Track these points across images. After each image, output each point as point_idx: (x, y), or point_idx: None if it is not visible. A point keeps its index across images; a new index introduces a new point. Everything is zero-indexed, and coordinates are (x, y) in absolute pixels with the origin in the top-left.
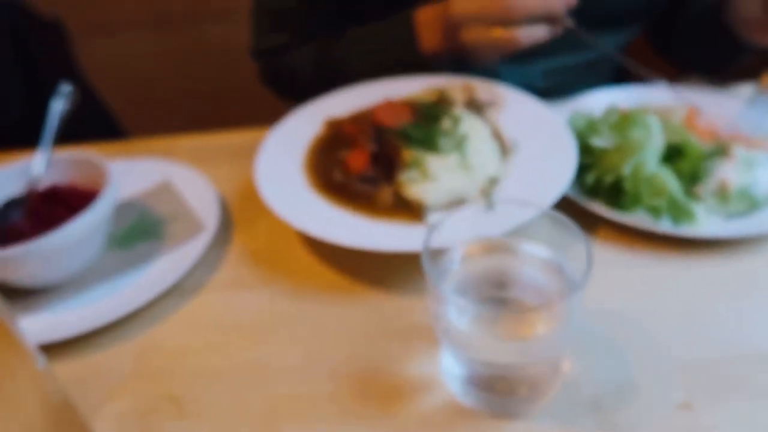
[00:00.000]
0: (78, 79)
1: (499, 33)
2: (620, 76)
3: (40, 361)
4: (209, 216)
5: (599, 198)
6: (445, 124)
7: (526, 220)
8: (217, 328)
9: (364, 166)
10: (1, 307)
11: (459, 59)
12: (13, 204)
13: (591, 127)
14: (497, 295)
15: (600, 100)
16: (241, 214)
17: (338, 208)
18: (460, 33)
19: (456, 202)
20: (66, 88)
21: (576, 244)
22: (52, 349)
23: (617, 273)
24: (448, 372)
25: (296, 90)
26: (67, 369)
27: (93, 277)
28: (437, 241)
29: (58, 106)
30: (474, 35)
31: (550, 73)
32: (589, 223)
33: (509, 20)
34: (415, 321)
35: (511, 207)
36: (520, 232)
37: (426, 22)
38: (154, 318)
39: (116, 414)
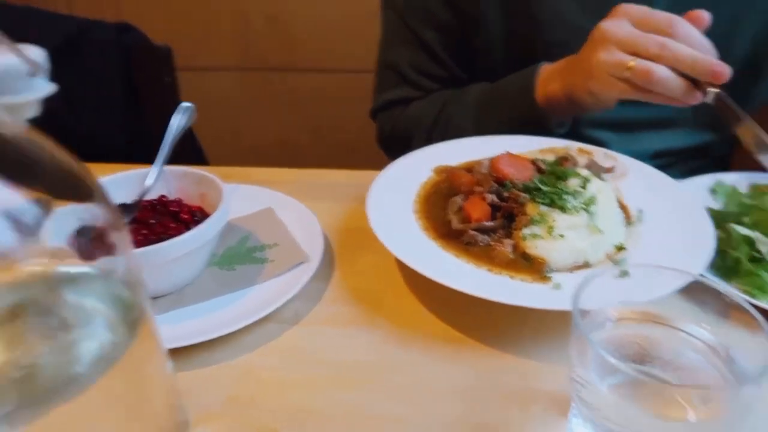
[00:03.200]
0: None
1: (634, 63)
2: (726, 164)
3: (169, 363)
4: (313, 247)
5: (737, 279)
6: (573, 182)
7: (671, 289)
8: (315, 364)
9: (484, 216)
10: (148, 308)
11: (569, 112)
12: (122, 208)
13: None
14: (642, 369)
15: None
16: (343, 251)
17: (456, 256)
18: (588, 67)
19: (579, 266)
20: (187, 106)
21: (741, 327)
22: None
23: None
24: None
25: (410, 149)
26: None
27: (192, 294)
28: (584, 301)
29: (178, 122)
30: (607, 63)
31: (660, 154)
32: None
33: (659, 51)
34: (533, 385)
35: (654, 274)
36: (680, 306)
37: (549, 72)
38: (251, 344)
39: None
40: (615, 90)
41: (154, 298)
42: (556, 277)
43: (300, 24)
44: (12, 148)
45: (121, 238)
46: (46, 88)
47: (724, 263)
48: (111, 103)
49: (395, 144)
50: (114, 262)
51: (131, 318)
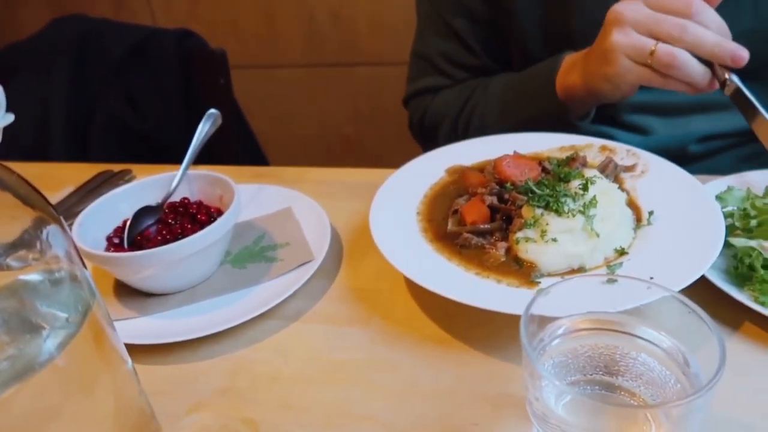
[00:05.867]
0: (232, 106)
1: (655, 47)
2: None
3: (129, 362)
4: (320, 248)
5: (750, 286)
6: (574, 184)
7: (649, 300)
8: (308, 360)
9: (480, 218)
10: (100, 305)
11: (589, 104)
12: (147, 210)
13: (750, 203)
14: (604, 380)
15: (762, 179)
16: (352, 250)
17: (447, 258)
18: (603, 51)
19: (574, 270)
20: (213, 113)
21: (708, 338)
22: (151, 351)
23: (756, 380)
24: None
25: (437, 138)
26: (159, 374)
27: (204, 290)
28: (543, 307)
29: (204, 128)
30: (624, 46)
31: (707, 138)
32: (732, 314)
33: (680, 34)
34: (510, 390)
35: (635, 284)
36: (642, 313)
37: (569, 63)
38: (250, 339)
39: (193, 427)
40: (632, 75)
41: (168, 294)
42: (546, 282)
43: (363, 19)
44: None
45: (72, 247)
46: (3, 120)
47: (739, 270)
48: (171, 104)
49: (424, 132)
50: (66, 267)
51: (80, 311)
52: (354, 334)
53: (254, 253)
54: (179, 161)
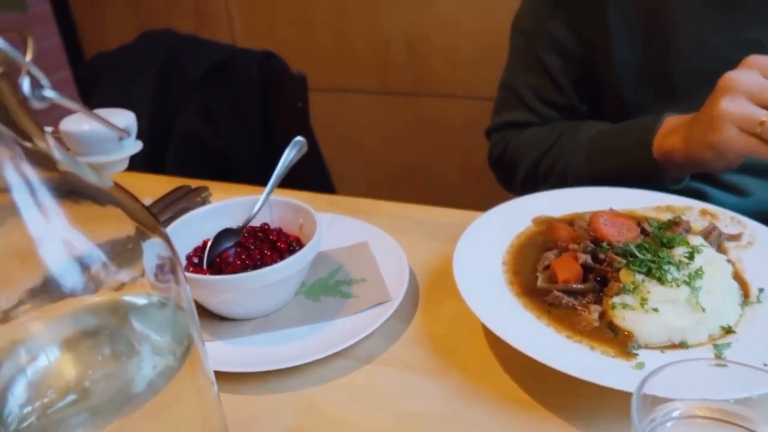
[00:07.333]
0: (307, 130)
1: (766, 118)
2: None
3: (215, 387)
4: (397, 288)
5: None
6: (678, 251)
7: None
8: (379, 408)
9: (573, 277)
10: (194, 327)
11: (687, 170)
12: (228, 232)
13: None
14: None
15: None
16: (430, 293)
17: (536, 316)
18: (710, 117)
19: (675, 345)
20: (300, 141)
21: None
22: (219, 377)
23: None
24: None
25: (515, 176)
26: (225, 402)
27: (277, 320)
28: (655, 387)
29: (290, 155)
30: (734, 114)
31: None
32: None
33: None
34: None
35: (749, 371)
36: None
37: (671, 125)
38: (321, 378)
39: None
40: (740, 144)
41: (241, 320)
42: (643, 354)
43: (437, 52)
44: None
45: (180, 271)
46: (132, 147)
47: None
48: (248, 125)
49: (503, 167)
50: (174, 291)
51: (183, 345)
52: (429, 385)
53: (329, 286)
54: (253, 182)
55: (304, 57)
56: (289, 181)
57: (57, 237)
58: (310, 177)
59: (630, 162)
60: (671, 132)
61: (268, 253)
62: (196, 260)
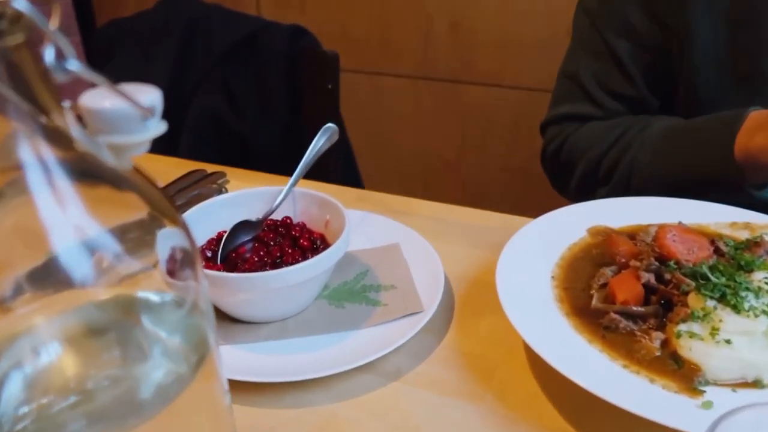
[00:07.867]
0: (336, 116)
1: None
2: None
3: (228, 398)
4: (430, 298)
5: None
6: (758, 276)
7: None
8: (406, 431)
9: (633, 298)
10: (211, 332)
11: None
12: (245, 225)
13: None
14: None
15: None
16: (466, 306)
17: (588, 340)
18: None
19: (747, 383)
20: (331, 128)
21: None
22: (233, 386)
23: None
24: None
25: (571, 175)
26: (238, 415)
27: (296, 326)
28: None
29: (319, 143)
30: None
31: None
32: None
33: None
34: None
35: None
36: None
37: (758, 120)
38: (343, 393)
39: None
40: None
41: (256, 323)
42: (711, 392)
43: (484, 34)
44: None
45: (199, 267)
46: (157, 128)
47: None
48: (272, 106)
49: (558, 166)
50: (193, 289)
51: (199, 352)
52: (463, 409)
53: (354, 291)
54: (273, 170)
55: (336, 35)
56: (312, 172)
57: (68, 222)
58: (335, 168)
59: (706, 160)
60: (758, 128)
61: (289, 251)
62: (209, 254)
